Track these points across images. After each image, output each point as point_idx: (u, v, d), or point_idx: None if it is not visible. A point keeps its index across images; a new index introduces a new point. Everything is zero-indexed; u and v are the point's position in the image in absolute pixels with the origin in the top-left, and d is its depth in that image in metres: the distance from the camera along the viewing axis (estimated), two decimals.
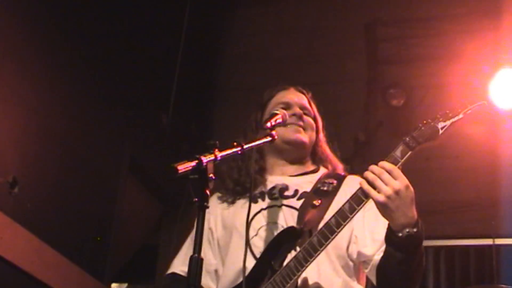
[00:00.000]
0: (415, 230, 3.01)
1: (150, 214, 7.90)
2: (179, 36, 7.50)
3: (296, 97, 3.85)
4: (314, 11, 8.49)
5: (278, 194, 3.65)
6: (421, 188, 7.48)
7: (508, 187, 6.97)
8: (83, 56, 6.01)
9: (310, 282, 3.37)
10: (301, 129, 3.70)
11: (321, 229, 3.21)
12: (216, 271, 3.69)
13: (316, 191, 3.52)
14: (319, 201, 3.37)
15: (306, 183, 3.63)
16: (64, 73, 5.77)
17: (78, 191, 5.96)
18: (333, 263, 3.43)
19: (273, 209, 3.59)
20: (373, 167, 3.04)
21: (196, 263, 2.71)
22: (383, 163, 3.02)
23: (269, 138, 3.35)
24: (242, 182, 3.72)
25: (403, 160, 3.07)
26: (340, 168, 3.77)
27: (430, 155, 7.50)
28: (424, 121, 3.13)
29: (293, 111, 3.71)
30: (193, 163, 2.70)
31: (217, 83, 8.61)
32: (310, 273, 3.35)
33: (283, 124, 3.59)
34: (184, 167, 2.67)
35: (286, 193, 3.64)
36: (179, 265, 3.76)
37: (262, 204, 3.62)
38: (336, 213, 3.17)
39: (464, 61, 7.54)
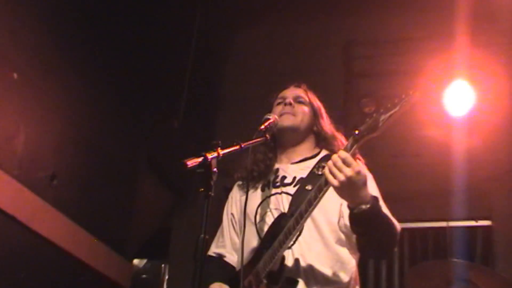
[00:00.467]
0: (368, 206, 3.06)
1: (164, 203, 7.89)
2: (189, 54, 7.51)
3: (292, 91, 3.88)
4: (300, 33, 8.49)
5: (280, 183, 3.67)
6: (389, 180, 7.56)
7: (460, 179, 7.00)
8: (109, 72, 6.03)
9: (302, 258, 3.41)
10: (289, 115, 3.70)
11: (295, 215, 3.26)
12: None
13: (311, 176, 3.52)
14: (311, 186, 3.34)
15: (304, 169, 3.62)
16: (94, 86, 5.80)
17: (105, 183, 6.00)
18: (325, 239, 3.44)
19: (275, 196, 3.61)
20: (332, 156, 3.06)
21: (202, 242, 2.77)
22: (340, 153, 3.04)
23: (262, 139, 3.43)
24: (251, 172, 3.73)
25: (352, 150, 3.06)
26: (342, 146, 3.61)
27: (397, 153, 7.59)
28: (370, 116, 3.09)
29: (285, 101, 3.76)
30: (200, 159, 2.80)
31: (220, 94, 8.61)
32: (302, 249, 3.42)
33: (279, 114, 3.69)
34: (192, 162, 2.77)
35: (286, 181, 3.66)
36: (212, 248, 3.79)
37: (268, 192, 3.65)
38: (305, 201, 3.22)
39: (424, 75, 7.58)
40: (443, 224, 7.35)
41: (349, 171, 2.99)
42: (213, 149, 2.91)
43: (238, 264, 3.64)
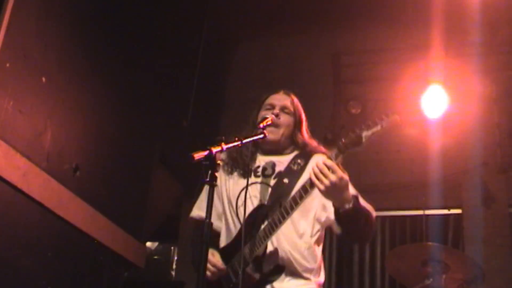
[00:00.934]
0: (350, 205, 3.14)
1: (174, 192, 7.89)
2: (197, 63, 7.54)
3: (280, 99, 3.78)
4: (294, 44, 8.54)
5: (261, 173, 3.64)
6: (372, 173, 7.63)
7: (435, 173, 7.04)
8: (128, 78, 6.04)
9: (278, 244, 3.42)
10: (272, 128, 3.60)
11: (280, 209, 3.31)
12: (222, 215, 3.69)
13: (288, 170, 3.52)
14: (288, 180, 3.39)
15: (283, 162, 3.61)
16: (114, 90, 5.81)
17: (123, 175, 6.00)
18: (299, 232, 3.46)
19: (255, 185, 3.59)
20: (318, 163, 3.11)
21: (207, 226, 2.81)
22: (325, 161, 3.09)
23: (261, 136, 3.43)
24: (234, 159, 3.72)
25: (337, 160, 3.12)
26: (313, 147, 3.68)
27: (379, 150, 7.60)
28: (353, 130, 3.12)
29: (272, 111, 3.69)
30: (205, 153, 2.81)
31: (224, 97, 8.64)
32: (280, 239, 3.42)
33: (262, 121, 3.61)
34: (198, 155, 2.78)
35: (266, 172, 3.63)
36: (196, 211, 3.85)
37: (250, 180, 3.58)
38: (291, 198, 3.28)
39: (403, 81, 7.61)
40: (419, 212, 7.38)
41: (333, 177, 3.05)
42: (217, 144, 2.93)
43: (218, 232, 3.65)
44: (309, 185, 3.19)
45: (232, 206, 3.60)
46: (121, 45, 5.94)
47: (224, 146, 2.95)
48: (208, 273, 3.43)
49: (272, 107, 3.75)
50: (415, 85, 7.54)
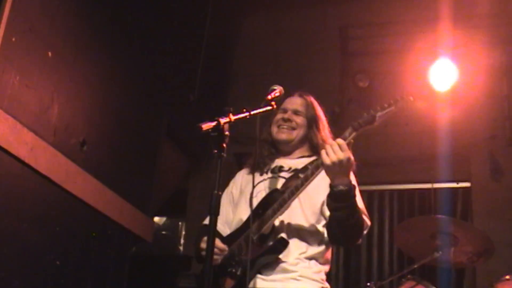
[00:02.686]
0: (346, 188, 3.18)
1: (181, 167, 7.91)
2: (203, 36, 7.51)
3: (293, 103, 3.86)
4: (301, 17, 8.48)
5: (278, 170, 3.73)
6: (381, 147, 7.62)
7: (443, 146, 7.02)
8: (135, 51, 6.04)
9: (285, 225, 3.49)
10: (285, 129, 3.75)
11: (291, 188, 3.37)
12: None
13: (304, 169, 3.55)
14: (303, 175, 3.39)
15: (300, 164, 3.69)
16: (120, 64, 5.80)
17: (130, 149, 6.02)
18: (306, 217, 3.53)
19: (271, 179, 3.69)
20: (330, 141, 3.24)
21: (216, 197, 2.81)
22: (338, 140, 3.18)
23: (269, 107, 3.43)
24: (256, 162, 3.78)
25: (350, 138, 3.21)
26: None
27: (388, 123, 7.51)
28: (368, 111, 3.22)
29: (283, 115, 3.79)
30: (213, 123, 2.79)
31: (231, 71, 8.61)
32: (287, 221, 3.49)
33: (277, 125, 3.78)
34: (206, 126, 2.76)
35: (283, 169, 3.72)
36: (207, 220, 3.81)
37: (265, 176, 3.72)
38: (302, 177, 3.35)
39: (411, 54, 7.57)
40: (428, 186, 7.36)
41: (341, 155, 3.12)
42: (225, 115, 2.92)
43: (225, 234, 3.74)
44: (321, 162, 3.23)
45: (247, 200, 3.65)
46: (128, 19, 5.93)
47: (232, 117, 2.94)
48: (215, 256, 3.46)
49: (285, 111, 3.83)
50: (423, 57, 7.50)
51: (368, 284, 5.12)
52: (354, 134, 3.21)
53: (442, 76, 7.28)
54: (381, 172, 7.31)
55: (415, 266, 5.30)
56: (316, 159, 3.35)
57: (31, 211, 4.54)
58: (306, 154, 3.79)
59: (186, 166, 7.96)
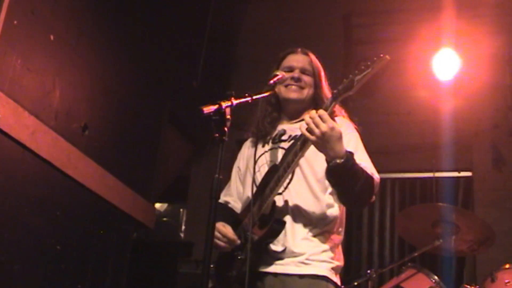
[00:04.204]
0: (342, 160, 3.04)
1: (183, 153, 7.91)
2: (207, 22, 7.47)
3: (299, 61, 3.75)
4: (304, 5, 8.46)
5: (278, 139, 3.64)
6: (383, 135, 7.60)
7: (445, 135, 7.02)
8: (137, 36, 6.00)
9: (287, 202, 3.42)
10: (296, 88, 3.63)
11: (284, 165, 3.28)
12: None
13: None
14: (294, 149, 3.28)
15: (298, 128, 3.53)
16: (123, 49, 5.76)
17: (132, 134, 5.98)
18: (311, 188, 3.43)
19: (272, 151, 3.60)
20: (310, 113, 3.06)
21: (217, 181, 2.77)
22: (319, 110, 3.04)
23: (271, 92, 3.40)
24: (258, 130, 3.70)
25: (331, 108, 3.08)
26: (336, 110, 3.56)
27: (390, 112, 7.60)
28: (347, 76, 3.07)
29: (293, 75, 3.66)
30: (215, 107, 2.76)
31: (234, 57, 8.59)
32: (291, 195, 3.42)
33: (284, 85, 3.63)
34: (208, 109, 2.73)
35: (283, 138, 3.63)
36: (222, 196, 3.79)
37: (267, 147, 3.63)
38: (292, 151, 3.25)
39: (415, 43, 7.56)
40: (430, 175, 7.35)
41: (324, 127, 2.97)
42: (227, 98, 2.89)
43: (239, 210, 3.71)
44: (303, 141, 3.16)
45: (251, 174, 3.57)
46: (132, 3, 5.88)
47: (234, 101, 2.90)
48: (221, 243, 3.45)
49: (291, 69, 3.71)
50: (427, 46, 7.51)
51: (369, 271, 5.11)
52: (334, 103, 3.10)
53: (445, 65, 7.30)
54: (383, 160, 7.23)
55: (416, 254, 5.30)
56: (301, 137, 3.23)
57: (32, 195, 4.50)
58: None
59: (188, 152, 7.96)
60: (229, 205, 3.80)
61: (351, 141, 3.41)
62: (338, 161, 3.05)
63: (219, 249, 3.50)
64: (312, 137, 3.01)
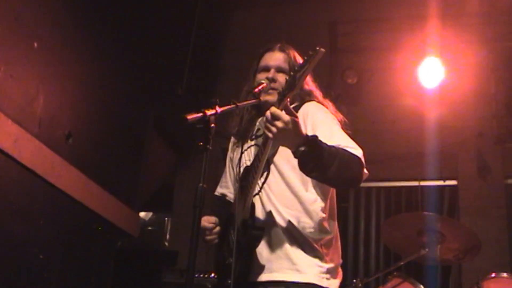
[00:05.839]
0: (305, 147, 2.96)
1: (168, 161, 7.88)
2: (192, 29, 7.45)
3: (275, 59, 3.63)
4: (289, 13, 8.46)
5: (255, 136, 3.57)
6: (368, 143, 7.54)
7: (430, 144, 7.04)
8: (121, 44, 5.98)
9: (268, 202, 3.32)
10: (270, 91, 3.47)
11: (254, 166, 3.24)
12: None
13: None
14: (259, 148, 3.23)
15: None
16: (106, 56, 5.74)
17: (116, 142, 5.95)
18: (289, 183, 3.32)
19: (251, 148, 3.54)
20: (266, 113, 2.99)
21: (201, 190, 2.72)
22: (270, 109, 2.96)
23: (255, 101, 3.37)
24: (240, 129, 3.65)
25: (280, 107, 2.97)
26: (313, 96, 3.53)
27: (376, 120, 7.60)
28: (289, 75, 3.01)
29: (267, 75, 3.55)
30: (199, 115, 2.72)
31: (220, 65, 8.58)
32: (268, 194, 3.33)
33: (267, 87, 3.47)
34: (192, 117, 2.69)
35: (258, 133, 3.55)
36: (218, 188, 3.80)
37: (247, 144, 3.56)
38: (258, 151, 3.21)
39: (400, 52, 7.59)
40: (415, 183, 7.37)
41: (279, 124, 2.91)
42: (212, 106, 2.84)
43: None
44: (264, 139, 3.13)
45: (235, 175, 3.55)
46: (116, 10, 5.86)
47: (219, 109, 2.86)
48: (207, 238, 3.39)
49: (267, 69, 3.61)
50: (412, 55, 7.54)
51: (354, 280, 5.08)
52: (283, 103, 2.98)
53: (430, 74, 7.32)
54: (369, 169, 7.29)
55: (402, 263, 5.27)
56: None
57: (15, 203, 4.46)
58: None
59: (173, 160, 7.93)
60: (227, 198, 3.74)
61: (321, 124, 3.31)
62: (301, 148, 2.98)
63: (209, 243, 3.42)
64: (270, 135, 2.96)
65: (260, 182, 3.32)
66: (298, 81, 2.94)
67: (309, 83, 3.60)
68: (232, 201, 3.66)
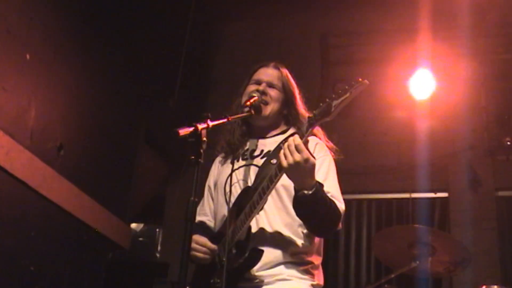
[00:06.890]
0: (310, 192, 2.97)
1: (159, 173, 7.88)
2: (184, 42, 7.47)
3: (268, 74, 3.63)
4: (281, 25, 8.48)
5: (249, 156, 3.53)
6: (359, 155, 7.61)
7: (421, 156, 7.05)
8: (113, 57, 6.00)
9: (267, 225, 3.31)
10: (261, 105, 3.48)
11: (259, 190, 3.17)
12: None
13: (277, 150, 3.28)
14: (275, 160, 3.16)
15: (272, 143, 3.48)
16: (99, 69, 5.76)
17: (107, 154, 5.96)
18: (287, 209, 3.29)
19: (244, 168, 3.48)
20: (288, 140, 2.97)
21: (192, 204, 2.72)
22: (294, 138, 2.95)
23: (247, 114, 3.38)
24: (229, 144, 3.62)
25: (307, 135, 2.98)
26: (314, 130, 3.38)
27: (367, 132, 7.61)
28: (324, 101, 2.94)
29: (258, 87, 3.55)
30: (191, 129, 2.73)
31: (211, 77, 8.59)
32: (267, 217, 3.31)
33: (248, 95, 3.52)
34: (184, 131, 2.69)
35: (255, 154, 3.52)
36: (197, 217, 3.57)
37: (237, 164, 3.51)
38: (268, 176, 3.13)
39: (391, 64, 7.60)
40: (406, 195, 7.39)
41: (298, 157, 2.89)
42: (204, 120, 2.83)
43: (214, 229, 3.59)
44: (277, 169, 3.06)
45: (223, 194, 3.49)
46: (107, 22, 5.88)
47: (210, 123, 2.86)
48: (200, 254, 3.35)
49: (259, 83, 3.61)
50: (403, 67, 7.55)
51: None
52: (310, 129, 2.98)
53: (421, 86, 7.34)
54: (360, 181, 7.31)
55: (393, 275, 5.28)
56: (290, 135, 3.11)
57: (6, 215, 4.46)
58: (279, 131, 3.58)
59: (164, 172, 7.93)
60: (205, 225, 3.68)
61: (322, 166, 3.33)
62: (306, 192, 2.99)
63: (199, 261, 3.38)
64: (285, 163, 2.93)
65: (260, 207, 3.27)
66: (335, 109, 2.88)
67: (302, 109, 3.59)
68: (212, 226, 3.63)
